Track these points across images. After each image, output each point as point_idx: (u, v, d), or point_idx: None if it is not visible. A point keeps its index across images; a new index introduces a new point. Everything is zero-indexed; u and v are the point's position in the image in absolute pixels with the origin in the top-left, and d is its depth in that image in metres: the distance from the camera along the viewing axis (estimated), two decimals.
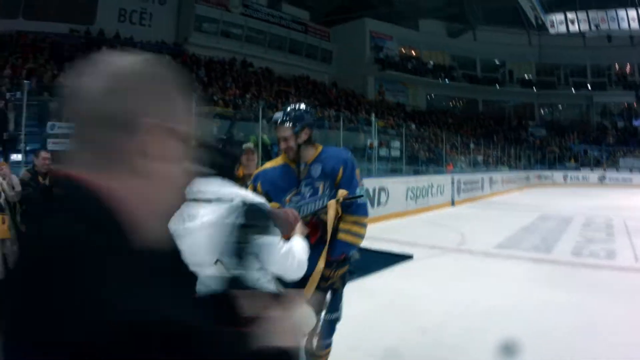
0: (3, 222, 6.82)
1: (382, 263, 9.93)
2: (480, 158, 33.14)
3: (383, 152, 23.68)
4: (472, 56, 46.39)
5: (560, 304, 7.26)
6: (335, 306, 4.15)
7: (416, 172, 24.08)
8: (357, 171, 4.11)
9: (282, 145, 3.95)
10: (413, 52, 44.35)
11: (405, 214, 17.99)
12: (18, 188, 7.04)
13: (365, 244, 10.86)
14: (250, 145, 7.34)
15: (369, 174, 20.40)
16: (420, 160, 26.49)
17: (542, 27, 43.41)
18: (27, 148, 14.77)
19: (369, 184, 16.64)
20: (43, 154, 7.66)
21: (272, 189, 4.07)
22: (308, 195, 4.00)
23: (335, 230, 3.98)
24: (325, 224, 3.91)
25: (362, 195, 4.02)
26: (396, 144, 24.72)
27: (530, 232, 14.45)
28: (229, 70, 33.28)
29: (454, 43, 44.95)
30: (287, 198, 4.03)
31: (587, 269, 9.78)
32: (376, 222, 15.96)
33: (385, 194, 17.46)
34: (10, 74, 20.61)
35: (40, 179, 7.35)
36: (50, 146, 13.99)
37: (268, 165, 4.42)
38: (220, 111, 21.52)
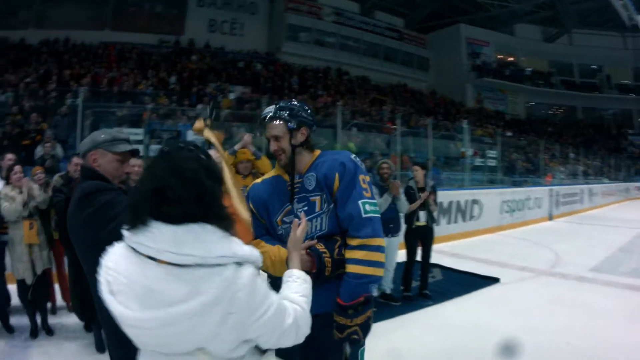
0: (31, 228, 6.77)
1: (465, 287, 9.35)
2: (580, 169, 31.57)
3: (478, 161, 22.57)
4: (569, 61, 44.38)
5: None
6: None
7: (515, 184, 23.10)
8: (363, 178, 3.24)
9: (273, 146, 3.24)
10: (510, 58, 43.05)
11: (499, 228, 17.06)
12: (41, 196, 6.92)
13: (449, 262, 10.40)
14: None
15: (461, 184, 19.67)
16: (518, 170, 25.47)
17: (635, 28, 41.28)
18: None
19: (461, 196, 15.97)
20: (75, 159, 7.40)
21: (262, 208, 3.41)
22: (302, 213, 3.16)
23: (341, 262, 3.12)
24: (321, 255, 3.09)
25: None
26: (492, 153, 23.50)
27: (629, 253, 13.37)
28: (322, 78, 33.36)
29: (550, 48, 43.38)
30: (279, 218, 3.30)
31: None
32: (466, 238, 15.38)
33: (479, 206, 16.50)
34: (89, 82, 21.17)
35: (73, 185, 7.03)
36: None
37: (259, 179, 3.71)
38: None
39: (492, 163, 23.00)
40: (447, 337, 6.63)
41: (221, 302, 1.84)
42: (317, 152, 3.38)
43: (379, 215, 3.20)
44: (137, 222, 1.93)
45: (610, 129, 46.38)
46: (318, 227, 3.17)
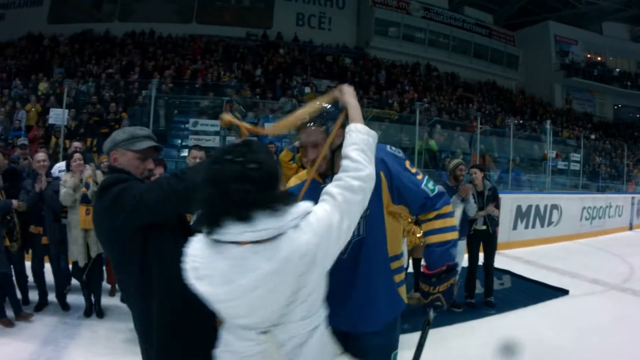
0: (87, 213, 7.03)
1: (532, 297, 9.32)
2: None
3: (562, 164, 22.32)
4: None
5: None
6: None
7: (598, 190, 22.78)
8: (407, 164, 3.20)
9: (312, 154, 3.06)
10: (598, 57, 41.56)
11: (577, 236, 16.99)
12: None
13: (522, 270, 10.49)
14: None
15: (542, 187, 19.58)
16: (600, 176, 25.07)
17: None
18: (183, 143, 16.29)
19: (541, 200, 15.88)
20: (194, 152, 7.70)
21: None
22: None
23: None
24: None
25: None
26: (576, 156, 22.92)
27: None
28: (410, 74, 33.55)
29: (637, 48, 41.40)
30: None
31: None
32: (543, 244, 15.33)
33: (558, 212, 16.38)
34: (172, 74, 22.39)
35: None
36: (191, 142, 14.68)
37: (292, 182, 3.58)
38: (379, 113, 21.48)
39: (575, 167, 22.45)
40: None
41: (294, 254, 2.12)
42: None
43: (435, 183, 3.25)
44: (209, 231, 2.17)
45: None
46: (355, 233, 3.00)
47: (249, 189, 2.09)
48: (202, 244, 2.23)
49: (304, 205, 2.29)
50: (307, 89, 24.76)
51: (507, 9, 39.42)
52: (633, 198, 21.23)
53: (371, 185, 2.53)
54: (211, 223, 2.15)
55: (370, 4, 34.70)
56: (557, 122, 29.12)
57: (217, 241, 2.16)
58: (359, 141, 2.63)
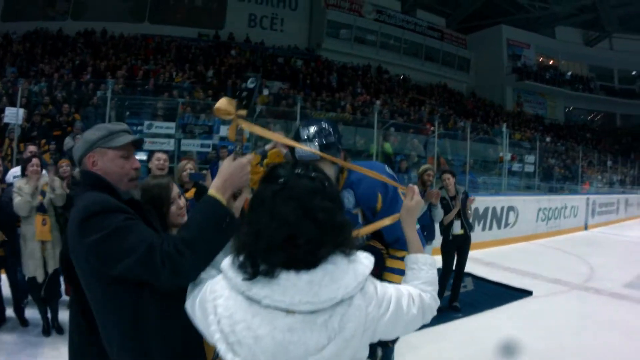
0: (44, 224, 6.51)
1: (496, 299, 9.19)
2: (616, 177, 31.01)
3: (516, 166, 22.31)
4: (609, 66, 43.45)
5: None
6: None
7: (552, 190, 22.87)
8: (401, 191, 3.01)
9: None
10: (551, 61, 42.50)
11: (534, 237, 16.85)
12: (59, 191, 6.62)
13: (483, 272, 10.25)
14: None
15: (498, 189, 19.50)
16: (555, 177, 25.22)
17: None
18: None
19: (497, 202, 15.77)
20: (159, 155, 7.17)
21: None
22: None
23: (382, 269, 3.11)
24: (378, 250, 3.12)
25: None
26: (530, 158, 23.09)
27: None
28: (361, 77, 33.43)
29: (590, 52, 42.63)
30: None
31: None
32: (501, 246, 15.14)
33: (515, 213, 16.26)
34: (125, 75, 21.95)
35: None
36: (146, 145, 14.15)
37: None
38: (333, 116, 21.19)
39: (529, 169, 22.53)
40: (473, 354, 6.45)
41: (358, 329, 1.76)
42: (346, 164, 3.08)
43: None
44: (264, 273, 1.75)
45: None
46: (360, 239, 3.05)
47: (330, 206, 1.79)
48: (232, 302, 1.79)
49: (366, 261, 1.90)
50: (266, 91, 24.46)
51: (460, 13, 39.85)
52: (588, 199, 21.31)
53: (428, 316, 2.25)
54: (270, 263, 1.76)
55: (323, 5, 34.73)
56: (509, 125, 29.23)
57: (258, 302, 1.75)
58: (433, 280, 2.34)
